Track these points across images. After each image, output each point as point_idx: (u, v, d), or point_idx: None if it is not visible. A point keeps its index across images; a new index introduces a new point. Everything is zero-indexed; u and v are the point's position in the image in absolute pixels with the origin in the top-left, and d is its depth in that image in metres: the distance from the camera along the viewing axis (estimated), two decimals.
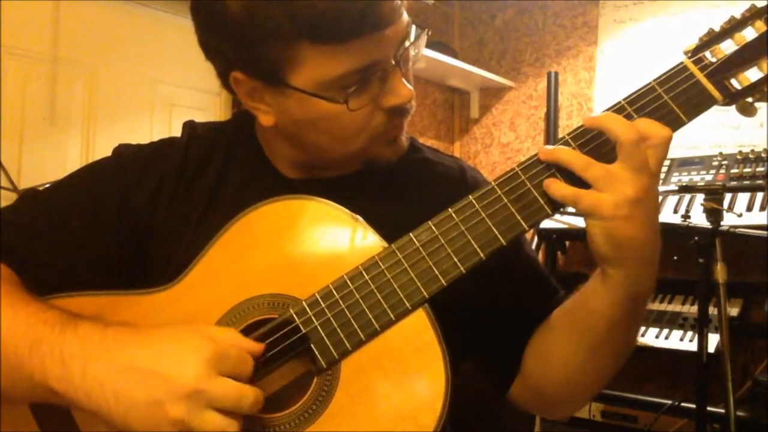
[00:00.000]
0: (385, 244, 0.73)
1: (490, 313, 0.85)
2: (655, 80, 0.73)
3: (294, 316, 0.72)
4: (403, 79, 0.77)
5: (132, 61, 2.28)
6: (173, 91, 2.40)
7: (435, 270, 0.71)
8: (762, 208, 2.03)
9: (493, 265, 0.73)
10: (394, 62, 0.76)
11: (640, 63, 2.65)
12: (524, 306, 0.86)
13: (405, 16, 0.76)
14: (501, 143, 3.07)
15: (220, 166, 0.87)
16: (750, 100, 0.72)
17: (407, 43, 0.78)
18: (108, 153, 0.91)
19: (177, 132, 0.93)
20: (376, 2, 0.70)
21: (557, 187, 0.71)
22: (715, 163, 2.27)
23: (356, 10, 0.69)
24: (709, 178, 2.22)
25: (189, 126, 0.92)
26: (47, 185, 0.90)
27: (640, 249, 0.70)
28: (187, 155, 0.88)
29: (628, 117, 0.72)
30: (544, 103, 2.88)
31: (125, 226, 0.84)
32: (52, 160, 2.08)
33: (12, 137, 1.99)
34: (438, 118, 3.13)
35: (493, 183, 0.73)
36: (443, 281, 0.71)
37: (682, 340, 2.09)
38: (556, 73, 2.82)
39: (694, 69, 0.72)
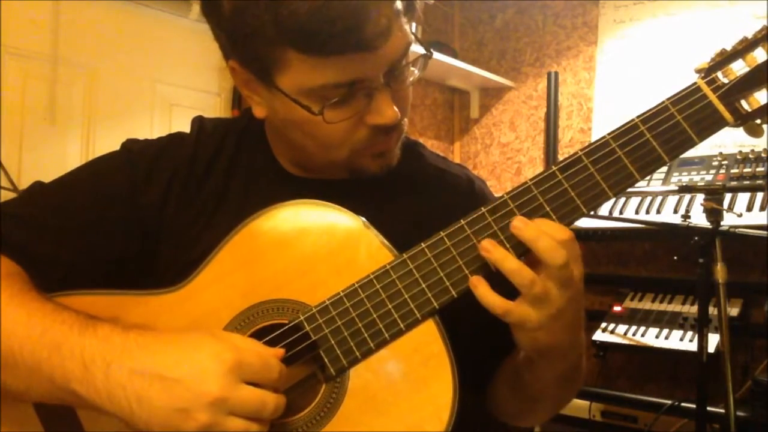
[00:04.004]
0: (396, 253, 0.74)
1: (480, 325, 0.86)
2: (668, 99, 0.72)
3: (304, 322, 0.73)
4: (391, 100, 0.76)
5: (132, 61, 2.28)
6: (173, 91, 2.39)
7: (446, 281, 0.72)
8: (762, 208, 2.03)
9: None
10: (383, 81, 0.75)
11: (640, 63, 2.64)
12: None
13: (401, 37, 0.74)
14: (501, 143, 3.07)
15: (228, 164, 0.87)
16: (758, 121, 0.72)
17: (405, 62, 0.77)
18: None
19: None
20: (360, 24, 0.69)
21: (485, 292, 0.70)
22: (715, 163, 2.27)
23: (339, 27, 0.68)
24: (709, 178, 2.22)
25: (198, 122, 0.92)
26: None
27: (558, 349, 0.73)
28: (196, 152, 0.87)
29: (641, 136, 0.72)
30: (544, 103, 2.88)
31: (133, 222, 0.83)
32: (52, 160, 2.07)
33: (12, 137, 1.99)
34: (438, 118, 3.13)
35: (505, 195, 0.73)
36: (454, 293, 0.72)
37: (682, 340, 2.09)
38: (556, 73, 2.82)
39: (707, 90, 0.72)
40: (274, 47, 0.72)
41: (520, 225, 0.70)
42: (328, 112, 0.74)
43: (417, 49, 0.80)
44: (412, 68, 0.79)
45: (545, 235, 0.68)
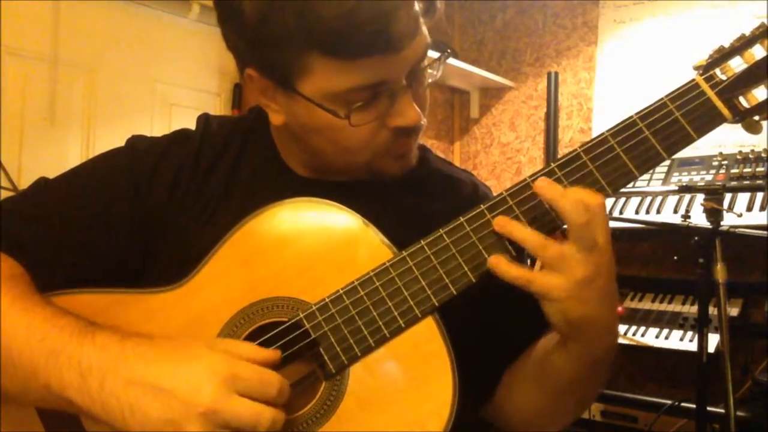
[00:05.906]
0: (396, 251, 0.74)
1: (482, 327, 0.85)
2: (667, 96, 0.73)
3: (303, 320, 0.73)
4: (412, 101, 0.76)
5: (132, 61, 2.28)
6: (173, 91, 2.40)
7: (446, 278, 0.72)
8: (762, 208, 2.03)
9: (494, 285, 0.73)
10: (405, 83, 0.75)
11: (640, 63, 2.65)
12: (513, 331, 0.86)
13: (423, 38, 0.75)
14: (501, 143, 3.07)
15: (232, 163, 0.87)
16: (756, 117, 0.72)
17: (425, 63, 0.77)
18: None
19: None
20: (389, 26, 0.70)
21: (507, 268, 0.70)
22: (715, 163, 2.27)
23: (368, 30, 0.69)
24: (709, 178, 2.22)
25: (204, 119, 0.91)
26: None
27: (594, 324, 0.71)
28: (200, 150, 0.87)
29: (639, 132, 0.72)
30: (544, 103, 2.88)
31: (136, 220, 0.83)
32: (52, 160, 2.08)
33: (12, 137, 1.99)
34: (438, 118, 3.13)
35: (504, 193, 0.73)
36: (453, 290, 0.72)
37: (682, 340, 2.10)
38: (556, 73, 2.82)
39: (705, 87, 0.72)
40: (299, 52, 0.72)
41: (543, 184, 0.70)
42: (353, 115, 0.74)
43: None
44: (429, 70, 0.80)
45: (570, 192, 0.68)
